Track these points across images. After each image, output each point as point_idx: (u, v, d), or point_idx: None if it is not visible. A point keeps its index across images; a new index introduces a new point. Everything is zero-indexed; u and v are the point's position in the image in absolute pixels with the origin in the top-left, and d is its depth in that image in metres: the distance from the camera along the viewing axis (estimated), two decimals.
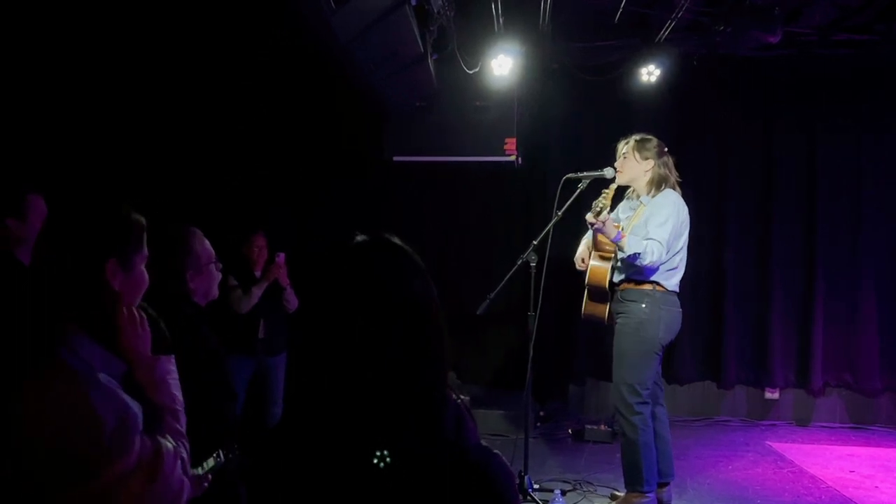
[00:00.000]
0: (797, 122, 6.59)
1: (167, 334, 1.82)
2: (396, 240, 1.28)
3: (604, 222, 3.97)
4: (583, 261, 4.38)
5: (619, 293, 4.24)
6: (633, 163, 4.26)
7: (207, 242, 2.42)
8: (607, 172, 4.26)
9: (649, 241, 4.00)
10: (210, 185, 5.79)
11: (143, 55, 5.25)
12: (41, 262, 1.59)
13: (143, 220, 1.70)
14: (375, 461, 1.10)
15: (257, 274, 5.12)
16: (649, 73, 5.93)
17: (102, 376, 1.54)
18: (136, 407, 1.54)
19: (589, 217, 4.03)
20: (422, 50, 4.85)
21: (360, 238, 1.26)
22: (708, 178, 6.57)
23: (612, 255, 4.22)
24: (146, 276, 1.72)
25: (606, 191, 4.11)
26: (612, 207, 4.32)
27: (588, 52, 6.07)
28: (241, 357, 4.83)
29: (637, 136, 4.31)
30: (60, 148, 4.84)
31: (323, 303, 1.21)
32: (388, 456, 1.11)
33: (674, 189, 4.23)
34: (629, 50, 5.99)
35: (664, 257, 4.03)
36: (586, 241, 4.44)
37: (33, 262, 1.61)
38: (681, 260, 4.20)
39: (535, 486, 4.42)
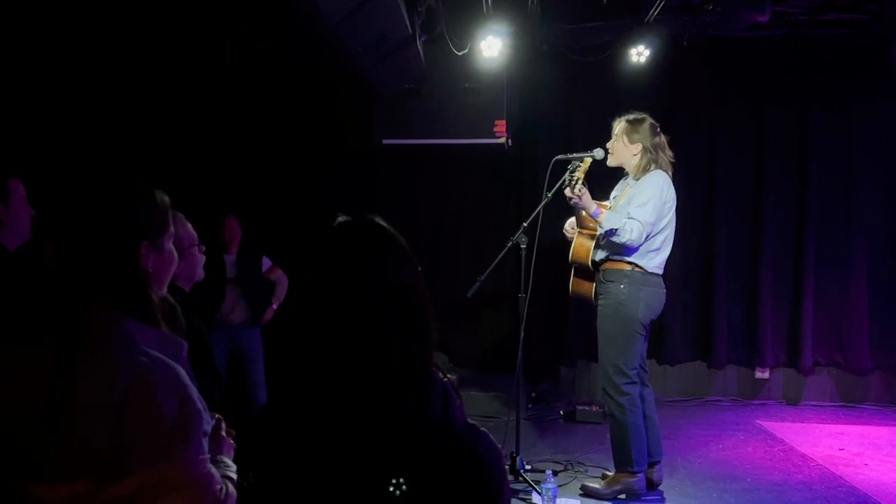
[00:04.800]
0: (788, 103, 6.59)
1: (183, 322, 1.82)
2: (380, 221, 1.28)
3: (580, 196, 3.99)
4: (573, 228, 4.38)
5: (600, 273, 4.25)
6: (622, 146, 4.25)
7: (189, 225, 2.40)
8: (597, 154, 4.24)
9: (629, 220, 4.01)
10: (194, 171, 5.76)
11: (129, 41, 5.21)
12: (69, 251, 1.53)
13: (167, 199, 1.71)
14: (392, 489, 1.11)
15: (229, 258, 5.13)
16: (639, 54, 5.91)
17: (169, 362, 1.48)
18: (200, 403, 1.48)
19: (567, 191, 4.05)
20: (410, 32, 4.83)
21: (344, 220, 1.26)
22: (698, 160, 6.57)
23: (595, 232, 4.23)
24: (175, 253, 1.75)
25: (581, 164, 4.12)
26: (609, 189, 4.33)
27: (577, 33, 6.04)
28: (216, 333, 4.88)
29: (630, 117, 4.28)
30: (45, 134, 4.81)
31: (315, 294, 1.21)
32: (405, 484, 1.11)
33: (664, 170, 4.22)
34: (619, 31, 5.96)
35: (643, 238, 4.04)
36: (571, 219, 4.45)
37: (59, 252, 1.55)
38: (664, 241, 4.19)
39: (527, 467, 4.44)
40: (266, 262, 5.37)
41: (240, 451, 1.24)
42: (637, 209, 4.05)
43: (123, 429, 1.37)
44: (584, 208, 4.08)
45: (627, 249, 4.09)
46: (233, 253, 5.19)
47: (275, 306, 5.23)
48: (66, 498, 1.37)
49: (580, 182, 4.02)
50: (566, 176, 4.11)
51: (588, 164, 4.13)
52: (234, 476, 1.56)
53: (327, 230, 1.25)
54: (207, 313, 4.95)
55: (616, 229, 4.00)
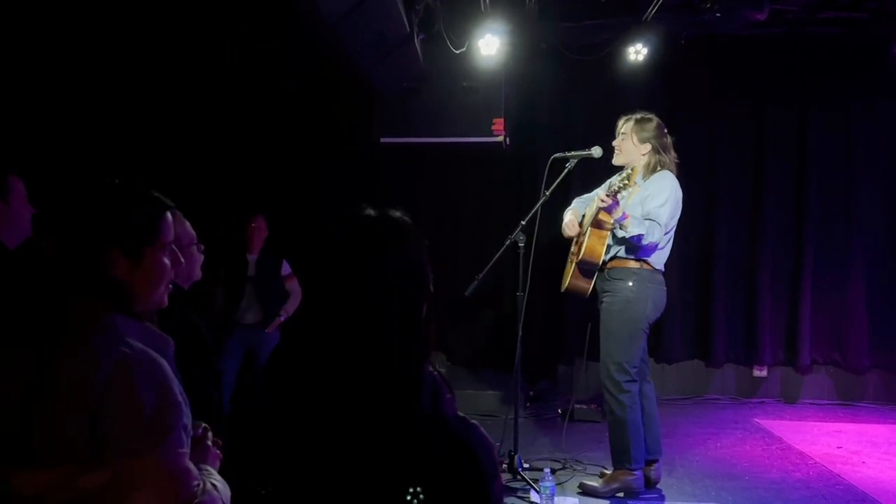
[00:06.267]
0: (788, 103, 6.60)
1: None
2: (399, 215, 1.29)
3: (617, 202, 3.96)
4: (573, 226, 4.35)
5: (606, 271, 4.24)
6: (631, 145, 4.23)
7: (188, 224, 2.40)
8: (595, 152, 4.24)
9: (650, 223, 4.00)
10: (194, 171, 5.76)
11: (130, 41, 5.21)
12: (53, 250, 1.54)
13: (163, 207, 1.64)
14: (409, 498, 1.11)
15: (251, 257, 5.14)
16: (637, 53, 5.91)
17: (152, 354, 1.47)
18: (181, 397, 1.48)
19: (601, 193, 4.03)
20: (408, 30, 4.83)
21: (370, 213, 1.26)
22: (697, 158, 6.55)
23: (609, 233, 4.21)
24: (166, 267, 1.64)
25: (629, 171, 4.01)
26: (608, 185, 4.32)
27: (575, 31, 6.04)
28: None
29: (637, 116, 4.26)
30: (46, 134, 4.82)
31: (315, 294, 1.22)
32: (422, 493, 1.11)
33: (671, 170, 4.21)
34: (617, 29, 5.96)
35: (660, 240, 4.04)
36: (572, 211, 4.43)
37: (49, 250, 1.56)
38: (668, 240, 4.20)
39: (525, 466, 4.44)
40: (285, 268, 5.37)
41: (252, 457, 1.23)
42: (656, 209, 4.04)
43: (102, 417, 1.38)
44: (612, 214, 4.01)
45: (645, 249, 4.09)
46: (255, 252, 5.20)
47: (283, 318, 5.22)
48: (44, 486, 1.38)
49: (624, 191, 3.98)
50: (615, 180, 4.03)
51: (637, 172, 4.08)
52: (218, 483, 1.57)
53: (335, 223, 1.25)
54: (228, 313, 4.97)
55: (642, 234, 3.97)
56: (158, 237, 1.60)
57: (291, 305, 5.27)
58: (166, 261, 1.63)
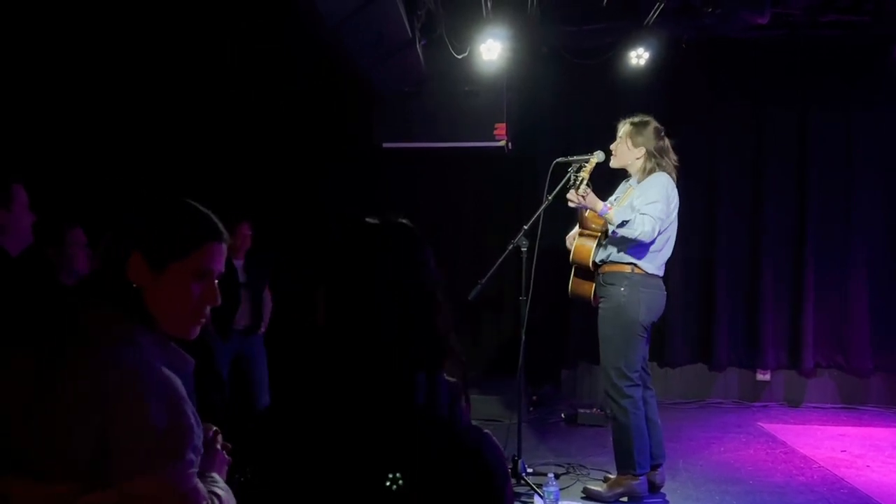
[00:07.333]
0: (788, 103, 6.61)
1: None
2: (406, 222, 1.29)
3: (584, 196, 3.98)
4: (573, 238, 4.37)
5: (600, 276, 4.24)
6: (625, 148, 4.24)
7: None
8: (597, 156, 4.24)
9: (640, 215, 3.99)
10: (193, 172, 5.75)
11: (129, 42, 5.22)
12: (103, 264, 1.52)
13: (208, 230, 1.59)
14: (388, 483, 1.11)
15: (237, 262, 5.13)
16: (638, 57, 5.92)
17: (165, 371, 1.44)
18: (194, 418, 1.44)
19: (570, 194, 4.04)
20: (410, 35, 4.83)
21: (374, 221, 1.27)
22: (699, 162, 6.57)
23: (598, 233, 4.21)
24: (191, 295, 1.58)
25: (586, 164, 4.11)
26: (609, 192, 4.32)
27: (577, 35, 6.04)
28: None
29: (635, 119, 4.26)
30: (47, 139, 4.82)
31: (334, 281, 1.22)
32: (401, 479, 1.11)
33: (668, 173, 4.21)
34: (618, 33, 5.96)
35: (655, 233, 4.01)
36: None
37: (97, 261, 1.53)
38: (666, 242, 4.17)
39: (529, 471, 4.43)
40: None
41: (239, 450, 1.24)
42: (646, 206, 4.03)
43: (108, 433, 1.35)
44: (590, 208, 4.06)
45: (638, 246, 4.06)
46: (241, 258, 5.20)
47: (263, 329, 5.20)
48: (43, 499, 1.36)
49: (585, 182, 4.01)
50: (570, 176, 4.10)
51: (593, 164, 4.12)
52: (222, 492, 1.55)
53: (336, 225, 1.26)
54: (226, 320, 4.95)
55: (627, 221, 3.96)
56: (190, 257, 1.53)
57: (267, 314, 5.28)
58: (194, 287, 1.54)
